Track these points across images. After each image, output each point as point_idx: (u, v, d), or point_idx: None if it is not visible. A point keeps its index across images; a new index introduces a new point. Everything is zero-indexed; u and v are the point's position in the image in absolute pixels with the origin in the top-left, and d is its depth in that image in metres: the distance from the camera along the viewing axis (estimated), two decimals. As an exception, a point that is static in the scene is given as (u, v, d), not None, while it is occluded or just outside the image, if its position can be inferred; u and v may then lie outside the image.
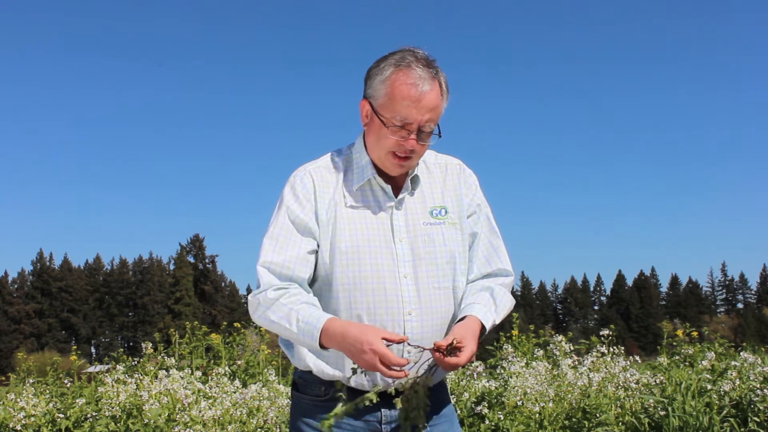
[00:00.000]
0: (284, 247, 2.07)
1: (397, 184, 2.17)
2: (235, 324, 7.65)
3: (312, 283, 2.13)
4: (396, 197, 2.15)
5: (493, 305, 2.12)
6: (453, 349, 1.93)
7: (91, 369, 13.10)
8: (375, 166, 2.14)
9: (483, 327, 2.06)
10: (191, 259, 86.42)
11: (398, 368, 1.89)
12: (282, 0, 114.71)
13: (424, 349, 1.97)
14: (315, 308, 2.02)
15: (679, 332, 7.34)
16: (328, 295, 2.09)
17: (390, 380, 2.02)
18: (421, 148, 2.09)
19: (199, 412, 4.83)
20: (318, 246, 2.10)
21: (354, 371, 1.98)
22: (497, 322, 2.13)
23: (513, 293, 2.28)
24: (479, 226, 2.23)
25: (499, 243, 2.25)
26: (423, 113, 2.04)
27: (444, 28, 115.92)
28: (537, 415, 5.06)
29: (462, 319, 2.06)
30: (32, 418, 5.32)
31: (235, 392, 5.27)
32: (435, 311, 2.10)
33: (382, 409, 2.09)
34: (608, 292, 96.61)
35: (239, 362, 7.05)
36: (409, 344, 1.99)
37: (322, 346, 1.97)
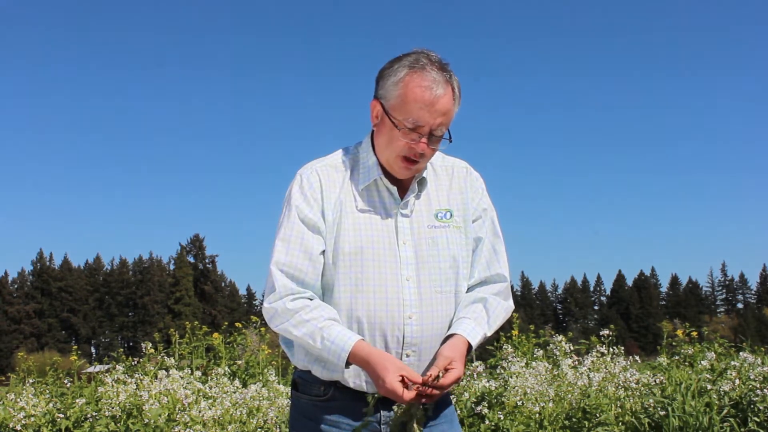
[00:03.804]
0: (296, 247, 2.06)
1: (403, 186, 2.16)
2: (236, 324, 7.65)
3: None
4: (402, 199, 2.14)
5: (485, 317, 2.11)
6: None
7: (91, 369, 13.11)
8: (382, 167, 2.13)
9: (470, 344, 2.06)
10: (191, 259, 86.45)
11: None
12: (281, 1, 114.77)
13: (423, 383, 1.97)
14: (340, 326, 2.02)
15: (679, 332, 7.34)
16: (329, 296, 2.08)
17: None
18: (431, 151, 2.08)
19: (199, 412, 4.84)
20: (325, 245, 2.09)
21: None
22: (489, 335, 2.12)
23: (513, 293, 2.27)
24: (484, 230, 2.22)
25: (501, 248, 2.23)
26: (436, 117, 2.03)
27: (443, 34, 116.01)
28: (537, 415, 5.06)
29: (450, 337, 2.06)
30: (32, 418, 5.32)
31: (235, 392, 5.27)
32: (436, 315, 2.09)
33: (381, 411, 2.08)
34: (608, 292, 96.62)
35: (239, 362, 7.05)
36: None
37: (347, 364, 2.00)
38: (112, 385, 5.44)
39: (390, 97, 2.06)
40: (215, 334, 7.29)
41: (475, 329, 2.07)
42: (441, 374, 1.95)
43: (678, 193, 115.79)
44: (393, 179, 2.15)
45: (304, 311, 2.02)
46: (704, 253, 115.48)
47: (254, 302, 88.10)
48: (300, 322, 2.01)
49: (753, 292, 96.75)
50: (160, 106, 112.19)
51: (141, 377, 5.61)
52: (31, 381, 6.62)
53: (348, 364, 1.99)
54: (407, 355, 2.06)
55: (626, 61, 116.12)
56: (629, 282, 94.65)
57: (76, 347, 10.56)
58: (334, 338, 1.98)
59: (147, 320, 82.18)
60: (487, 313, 2.12)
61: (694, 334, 7.34)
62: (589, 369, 5.67)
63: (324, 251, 2.09)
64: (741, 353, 5.92)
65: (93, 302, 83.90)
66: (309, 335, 2.00)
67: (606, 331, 6.15)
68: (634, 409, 5.31)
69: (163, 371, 5.66)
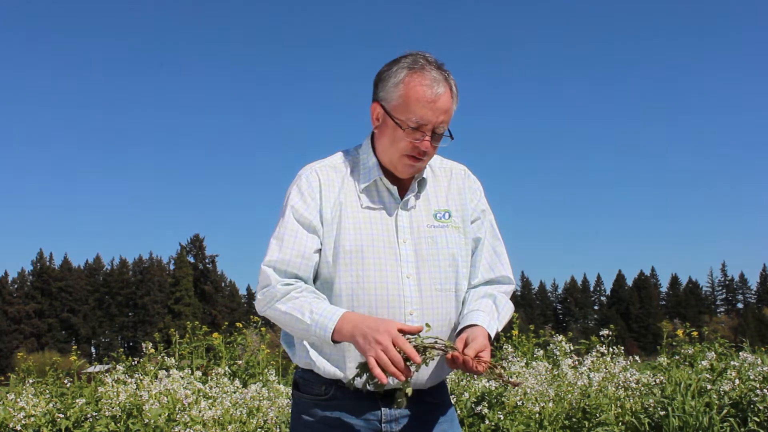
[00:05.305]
0: (290, 246, 2.08)
1: (403, 186, 2.18)
2: (236, 324, 7.66)
3: (314, 281, 2.13)
4: (401, 199, 2.16)
5: (495, 313, 2.13)
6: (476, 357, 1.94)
7: (91, 369, 13.11)
8: (382, 168, 2.15)
9: (489, 336, 2.07)
10: (191, 259, 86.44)
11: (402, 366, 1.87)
12: (282, 1, 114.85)
13: (446, 350, 1.93)
14: (328, 303, 2.03)
15: (679, 332, 7.34)
16: (329, 294, 2.10)
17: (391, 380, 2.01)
18: (434, 149, 2.11)
19: (199, 412, 4.84)
20: (321, 245, 2.11)
21: (359, 373, 1.96)
22: (499, 330, 2.14)
23: (513, 294, 2.28)
24: (483, 231, 2.24)
25: (502, 250, 2.26)
26: (438, 115, 2.06)
27: (441, 27, 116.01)
28: (537, 415, 5.07)
29: (471, 326, 2.05)
30: (32, 418, 5.33)
31: (235, 392, 5.27)
32: (436, 312, 2.11)
33: (383, 408, 2.09)
34: (608, 292, 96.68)
35: (240, 362, 7.05)
36: (426, 346, 1.94)
37: (333, 341, 1.97)
38: (112, 385, 5.44)
39: (391, 98, 2.08)
40: (215, 334, 7.30)
41: (491, 323, 2.09)
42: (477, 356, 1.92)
43: (678, 193, 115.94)
44: (393, 179, 2.17)
45: (295, 291, 2.04)
46: (704, 253, 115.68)
47: (254, 302, 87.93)
48: (289, 299, 2.03)
49: (753, 292, 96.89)
50: (160, 106, 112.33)
51: (141, 377, 5.62)
52: (31, 381, 6.64)
53: (334, 341, 1.96)
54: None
55: (624, 61, 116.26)
56: (629, 282, 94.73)
57: (76, 347, 10.58)
58: (323, 311, 1.98)
59: (147, 320, 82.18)
60: (497, 309, 2.14)
61: (695, 334, 7.35)
62: (589, 369, 5.67)
63: (319, 250, 2.10)
64: (741, 353, 5.93)
65: (93, 302, 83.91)
66: (297, 309, 2.01)
67: (606, 331, 6.16)
68: (634, 409, 5.32)
69: (164, 371, 5.66)
